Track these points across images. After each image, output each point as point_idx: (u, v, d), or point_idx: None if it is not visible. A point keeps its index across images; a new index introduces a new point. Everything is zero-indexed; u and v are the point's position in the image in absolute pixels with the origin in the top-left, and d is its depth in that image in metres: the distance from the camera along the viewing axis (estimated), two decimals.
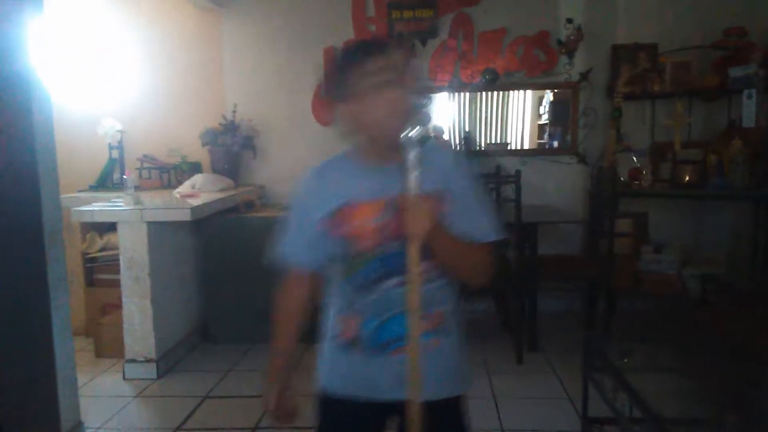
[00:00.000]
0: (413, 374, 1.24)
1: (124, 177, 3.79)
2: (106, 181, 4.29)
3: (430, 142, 1.24)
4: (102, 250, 3.96)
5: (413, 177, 1.19)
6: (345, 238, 1.30)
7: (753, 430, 1.97)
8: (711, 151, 3.79)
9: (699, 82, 3.92)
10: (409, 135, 1.18)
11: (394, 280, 1.29)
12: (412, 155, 1.18)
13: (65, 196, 3.58)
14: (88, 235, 4.03)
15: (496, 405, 2.94)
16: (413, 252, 1.20)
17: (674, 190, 3.87)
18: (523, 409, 2.90)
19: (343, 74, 1.27)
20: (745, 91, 3.64)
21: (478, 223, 1.33)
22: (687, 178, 3.82)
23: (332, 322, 1.41)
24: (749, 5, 3.99)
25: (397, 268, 1.26)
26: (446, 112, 4.63)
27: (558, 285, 4.21)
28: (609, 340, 3.04)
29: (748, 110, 3.65)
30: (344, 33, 4.38)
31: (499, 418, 2.80)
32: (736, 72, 3.71)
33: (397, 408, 1.32)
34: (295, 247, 1.39)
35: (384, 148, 1.29)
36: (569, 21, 4.14)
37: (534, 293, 3.60)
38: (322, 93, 1.44)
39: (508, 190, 3.65)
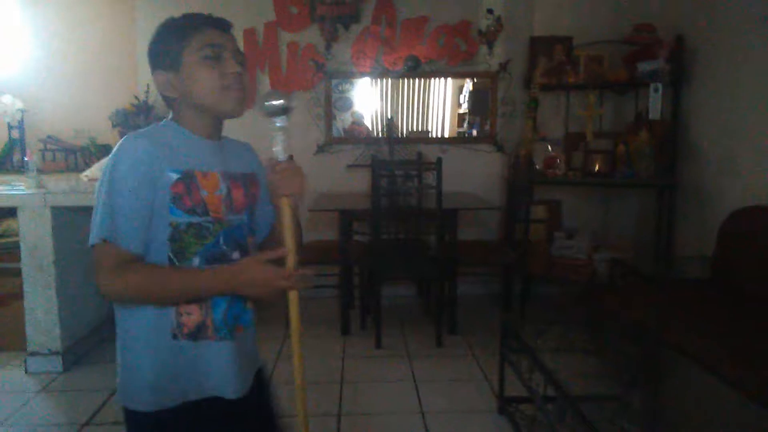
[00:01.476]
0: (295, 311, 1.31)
1: (26, 159, 3.55)
2: (4, 163, 4.01)
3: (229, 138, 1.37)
4: (1, 236, 3.69)
5: (282, 145, 1.27)
6: (198, 206, 1.21)
7: (657, 406, 2.09)
8: (620, 142, 3.97)
9: (610, 75, 4.09)
10: (273, 103, 1.24)
11: (237, 254, 1.29)
12: (279, 124, 1.26)
13: None
14: None
15: (416, 387, 2.98)
16: (289, 211, 1.27)
17: (586, 179, 4.04)
18: (442, 391, 2.95)
19: (169, 45, 1.25)
20: (652, 85, 3.83)
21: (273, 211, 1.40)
22: (597, 168, 3.99)
23: (164, 318, 1.23)
24: (659, 3, 4.20)
25: (239, 242, 1.29)
26: (368, 98, 4.62)
27: (476, 270, 4.31)
28: (524, 322, 3.14)
29: (654, 103, 3.85)
30: (265, 14, 4.28)
31: (419, 399, 2.84)
32: (644, 66, 3.90)
33: (232, 405, 1.30)
34: (128, 227, 1.16)
35: (210, 119, 1.29)
36: (490, 12, 4.22)
37: (454, 278, 3.67)
38: (150, 63, 1.30)
39: (430, 178, 3.69)
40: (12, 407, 2.79)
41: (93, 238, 1.16)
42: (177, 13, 1.27)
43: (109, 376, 3.11)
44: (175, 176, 1.19)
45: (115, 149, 1.18)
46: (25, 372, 3.15)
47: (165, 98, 1.30)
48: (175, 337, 1.23)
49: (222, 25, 1.27)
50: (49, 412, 2.81)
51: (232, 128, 1.37)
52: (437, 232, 3.57)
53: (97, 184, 1.19)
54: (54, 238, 3.12)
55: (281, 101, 1.24)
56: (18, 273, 3.19)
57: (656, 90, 3.82)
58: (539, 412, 2.36)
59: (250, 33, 4.29)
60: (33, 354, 3.16)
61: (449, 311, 3.70)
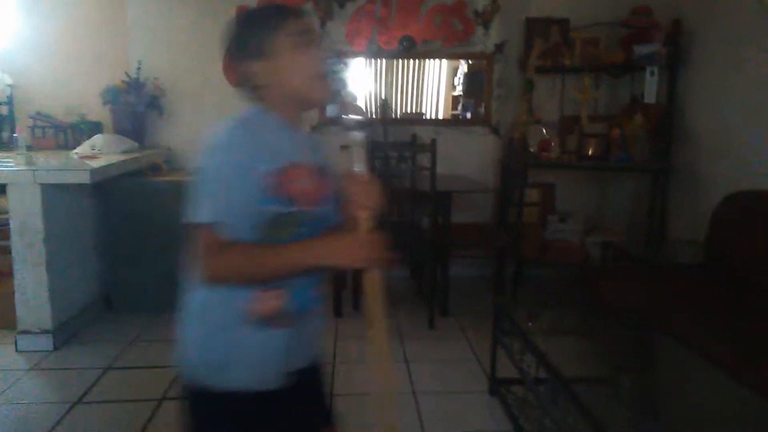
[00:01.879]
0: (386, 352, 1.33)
1: (15, 135, 3.51)
2: None
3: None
4: None
5: (360, 158, 1.27)
6: (290, 197, 1.21)
7: (648, 389, 2.10)
8: (615, 126, 3.97)
9: (606, 58, 4.06)
10: (351, 117, 1.31)
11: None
12: (358, 136, 1.29)
13: None
14: None
15: (408, 369, 2.99)
16: (369, 222, 1.26)
17: (580, 162, 4.04)
18: (434, 372, 2.96)
19: (262, 32, 1.25)
20: (648, 68, 3.82)
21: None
22: (592, 151, 3.99)
23: (240, 302, 1.23)
24: None
25: (323, 232, 1.28)
26: (362, 78, 4.57)
27: (470, 252, 4.31)
28: (517, 305, 3.15)
29: (649, 87, 3.84)
30: None
31: (411, 381, 2.85)
32: (640, 49, 3.88)
33: (298, 375, 1.33)
34: (229, 212, 1.17)
35: (297, 110, 1.30)
36: None
37: (446, 260, 3.67)
38: (229, 51, 1.30)
39: (424, 160, 3.67)
40: (2, 385, 2.78)
41: (198, 218, 1.16)
42: None
43: (100, 355, 3.11)
44: (267, 166, 1.19)
45: (215, 135, 1.19)
46: (16, 350, 3.14)
47: (251, 89, 1.29)
48: (248, 321, 1.23)
49: (304, 14, 1.29)
50: (40, 391, 2.80)
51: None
52: (431, 214, 3.56)
53: (198, 166, 1.19)
54: (44, 215, 3.09)
55: (359, 116, 1.28)
56: (8, 251, 3.16)
57: (652, 73, 3.81)
58: (530, 393, 2.38)
59: (242, 11, 4.21)
60: (23, 332, 3.14)
61: (442, 293, 3.71)
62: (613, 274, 3.40)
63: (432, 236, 3.56)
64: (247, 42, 1.27)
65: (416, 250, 3.64)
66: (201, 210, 1.16)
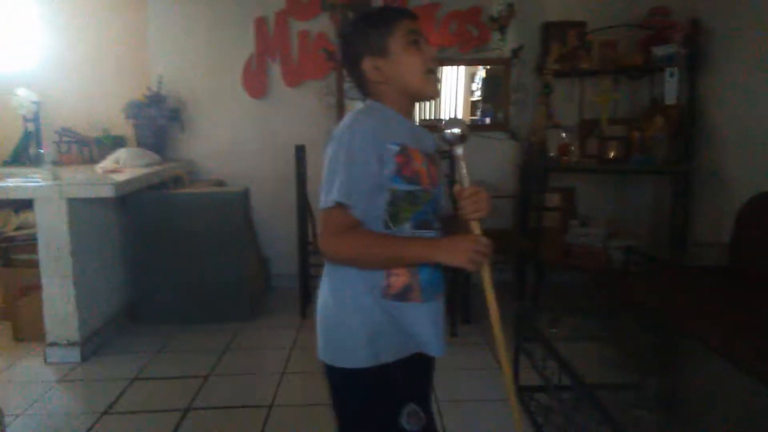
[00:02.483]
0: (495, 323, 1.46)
1: (41, 151, 3.58)
2: (21, 156, 4.04)
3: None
4: (18, 228, 3.73)
5: (465, 171, 1.34)
6: (414, 176, 1.32)
7: (673, 394, 2.08)
8: (635, 128, 3.93)
9: (625, 60, 4.04)
10: (454, 132, 1.33)
11: (437, 223, 1.41)
12: (459, 151, 1.34)
13: None
14: (2, 213, 3.80)
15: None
16: (479, 231, 1.37)
17: (600, 165, 4.01)
18: (457, 380, 2.95)
19: (378, 32, 1.35)
20: (667, 70, 3.79)
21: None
22: (612, 154, 3.95)
23: (376, 277, 1.32)
24: None
25: (438, 212, 1.40)
26: None
27: (490, 258, 4.29)
28: (539, 311, 3.13)
29: (669, 88, 3.80)
30: (275, 3, 4.26)
31: (433, 388, 2.84)
32: (658, 51, 3.85)
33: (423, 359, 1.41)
34: (358, 195, 1.27)
35: (410, 103, 1.41)
36: None
37: None
38: (343, 51, 1.42)
39: (443, 165, 3.66)
40: (32, 397, 2.84)
41: (327, 201, 1.27)
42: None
43: (126, 366, 3.15)
44: (396, 148, 1.30)
45: (347, 124, 1.31)
46: (45, 362, 3.20)
47: (367, 84, 1.39)
48: (384, 296, 1.33)
49: (413, 15, 1.39)
50: (69, 402, 2.85)
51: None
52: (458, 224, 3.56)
53: (329, 153, 1.30)
54: (70, 229, 3.15)
55: (459, 129, 1.32)
56: (36, 264, 3.22)
57: (672, 75, 3.77)
58: (554, 400, 2.36)
59: (260, 22, 4.28)
60: (52, 345, 3.21)
61: (463, 301, 3.70)
62: (636, 278, 3.36)
63: None
64: (364, 41, 1.37)
65: None
66: (330, 191, 1.27)
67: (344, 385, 1.37)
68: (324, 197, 1.28)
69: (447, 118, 1.37)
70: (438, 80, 1.40)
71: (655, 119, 3.83)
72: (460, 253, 1.30)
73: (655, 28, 3.95)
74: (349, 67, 1.41)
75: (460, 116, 4.64)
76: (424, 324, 1.36)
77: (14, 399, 2.80)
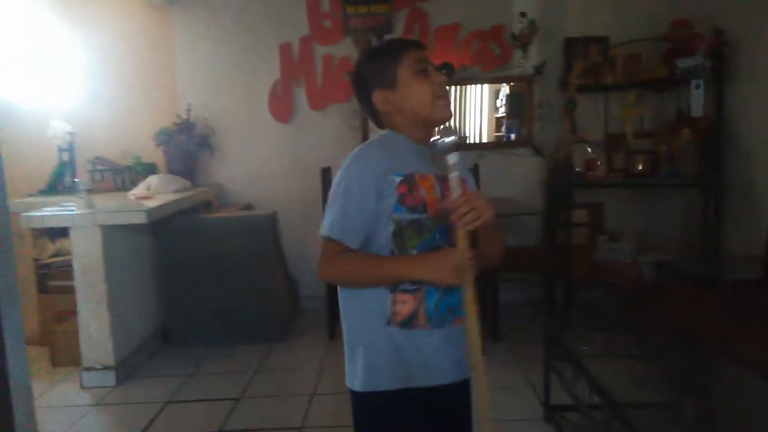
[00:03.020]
0: (475, 349, 1.33)
1: (76, 180, 3.68)
2: (56, 185, 4.16)
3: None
4: (54, 255, 3.84)
5: (457, 177, 1.30)
6: (418, 205, 1.34)
7: (707, 414, 2.04)
8: (662, 141, 3.90)
9: (649, 74, 4.02)
10: (449, 140, 1.30)
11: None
12: (453, 159, 1.30)
13: (14, 202, 3.47)
14: (39, 241, 3.91)
15: None
16: (465, 244, 1.31)
17: (628, 180, 3.97)
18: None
19: (385, 65, 1.39)
20: (693, 82, 3.75)
21: None
22: (640, 168, 3.92)
23: (381, 304, 1.35)
24: None
25: (452, 238, 1.33)
26: None
27: (518, 276, 4.26)
28: (568, 328, 3.09)
29: (696, 100, 3.76)
30: (299, 29, 4.35)
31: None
32: (683, 63, 3.82)
33: (445, 390, 1.38)
34: (351, 226, 1.32)
35: (424, 129, 1.41)
36: (523, 15, 4.19)
37: (494, 285, 3.64)
38: (356, 83, 1.46)
39: None
40: (69, 420, 2.90)
41: (323, 230, 1.34)
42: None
43: (159, 389, 3.20)
44: (399, 179, 1.33)
45: (352, 156, 1.36)
46: (81, 386, 3.27)
47: (379, 115, 1.43)
48: (388, 323, 1.35)
49: (420, 45, 1.44)
50: (105, 426, 2.91)
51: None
52: (475, 238, 3.55)
53: (334, 181, 1.36)
54: (104, 255, 3.23)
55: (453, 138, 1.30)
56: (72, 291, 3.31)
57: (697, 86, 3.74)
58: (585, 420, 2.33)
59: (285, 48, 4.37)
60: (87, 369, 3.27)
61: (491, 319, 3.68)
62: (668, 294, 3.31)
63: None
64: (373, 75, 1.41)
65: None
66: (327, 222, 1.34)
67: (353, 404, 1.42)
68: (323, 224, 1.34)
69: (441, 128, 1.38)
70: (448, 104, 1.41)
71: (682, 132, 3.79)
72: (441, 269, 1.29)
73: (679, 40, 3.93)
74: (361, 101, 1.45)
75: (483, 128, 4.66)
76: (433, 351, 1.36)
77: (52, 423, 2.86)
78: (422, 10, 4.31)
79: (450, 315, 1.38)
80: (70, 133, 4.12)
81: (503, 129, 4.65)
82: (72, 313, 3.38)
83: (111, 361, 3.27)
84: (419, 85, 1.37)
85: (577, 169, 4.04)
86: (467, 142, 4.60)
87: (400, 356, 1.35)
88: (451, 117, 1.42)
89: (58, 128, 4.07)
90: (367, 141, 1.41)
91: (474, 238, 1.37)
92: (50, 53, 4.30)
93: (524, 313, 4.21)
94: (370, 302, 1.36)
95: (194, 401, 3.09)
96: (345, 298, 1.41)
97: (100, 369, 3.27)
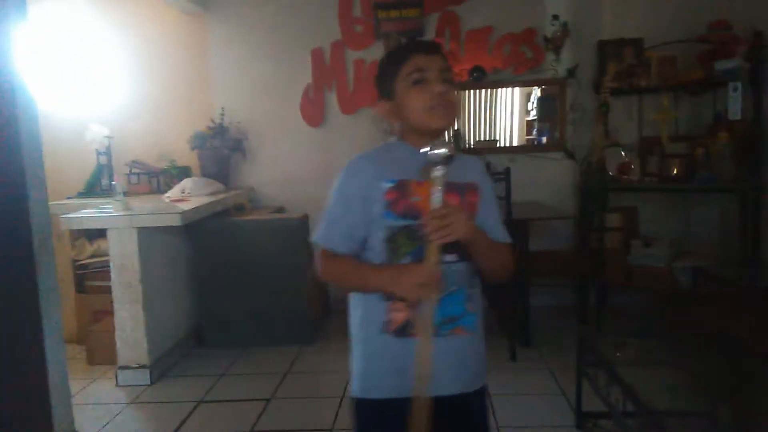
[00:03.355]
0: (422, 369, 1.26)
1: (113, 183, 3.76)
2: (94, 188, 4.26)
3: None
4: (92, 256, 3.93)
5: (439, 191, 1.27)
6: (409, 211, 1.33)
7: (745, 422, 1.99)
8: (698, 145, 3.82)
9: (685, 76, 3.95)
10: (437, 152, 1.27)
11: (450, 256, 1.34)
12: (438, 171, 1.27)
13: (54, 203, 3.55)
14: (77, 242, 4.01)
15: (491, 402, 2.95)
16: (434, 257, 1.26)
17: (663, 184, 3.91)
18: (518, 406, 2.91)
19: (385, 78, 1.41)
20: (731, 84, 3.67)
21: (498, 225, 1.48)
22: (675, 172, 3.85)
23: (375, 312, 1.36)
24: None
25: (452, 244, 1.28)
26: None
27: (549, 281, 4.23)
28: (601, 334, 3.06)
29: (734, 103, 3.69)
30: (331, 34, 4.39)
31: (494, 414, 2.81)
32: (721, 65, 3.74)
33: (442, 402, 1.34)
34: (336, 232, 1.37)
35: (426, 138, 1.35)
36: (555, 18, 4.15)
37: (526, 289, 3.61)
38: (380, 92, 1.46)
39: (498, 188, 3.65)
40: (106, 418, 2.96)
41: (313, 236, 1.41)
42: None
43: (192, 389, 3.25)
44: (388, 185, 1.34)
45: (346, 165, 1.41)
46: (116, 385, 3.34)
47: (388, 123, 1.46)
48: (384, 331, 1.35)
49: (428, 49, 1.39)
50: (139, 424, 2.96)
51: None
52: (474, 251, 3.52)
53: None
54: (140, 256, 3.30)
55: (443, 150, 1.27)
56: (108, 291, 3.38)
57: (735, 89, 3.66)
58: (619, 427, 2.29)
59: (317, 52, 4.41)
60: (123, 368, 3.35)
61: (523, 324, 3.64)
62: (705, 300, 3.24)
63: None
64: (378, 85, 1.45)
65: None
66: (317, 229, 1.40)
67: (352, 410, 1.43)
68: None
69: (433, 141, 1.31)
70: (445, 113, 1.36)
71: (719, 135, 3.71)
72: (403, 283, 1.27)
73: (716, 42, 3.85)
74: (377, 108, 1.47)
75: (514, 132, 4.62)
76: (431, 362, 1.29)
77: (88, 420, 2.92)
78: (454, 14, 4.31)
79: (449, 324, 1.35)
80: (108, 137, 4.22)
81: (534, 132, 4.62)
82: (108, 312, 3.46)
83: (146, 361, 3.33)
84: (414, 95, 1.35)
85: (611, 173, 3.99)
86: (498, 145, 4.59)
87: (395, 365, 1.34)
88: (449, 125, 1.42)
89: (97, 132, 4.17)
90: (364, 152, 1.43)
91: (468, 251, 1.34)
92: (89, 59, 4.42)
93: (556, 317, 4.17)
94: (368, 309, 1.38)
95: (226, 401, 3.13)
96: (351, 305, 1.43)
97: (136, 368, 3.33)
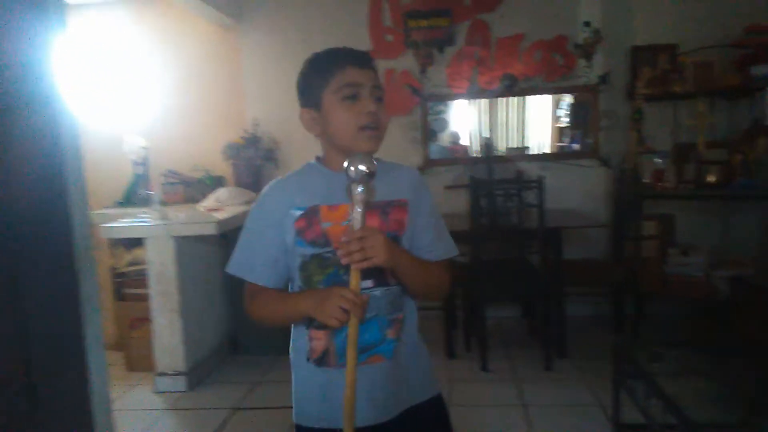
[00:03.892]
0: (348, 405, 1.19)
1: (149, 192, 3.84)
2: (132, 197, 4.35)
3: (389, 162, 1.37)
4: (130, 264, 4.01)
5: (359, 212, 1.19)
6: (318, 239, 1.26)
7: None
8: (735, 151, 3.75)
9: (721, 82, 3.88)
10: (357, 169, 1.17)
11: (367, 282, 1.27)
12: (358, 190, 1.19)
13: (93, 213, 3.65)
14: (115, 251, 4.09)
15: (527, 413, 2.92)
16: (355, 281, 1.20)
17: (699, 191, 3.83)
18: (554, 417, 2.88)
19: (312, 85, 1.30)
20: None
21: (435, 241, 1.37)
22: (712, 179, 3.78)
23: (302, 340, 1.34)
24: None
25: (369, 270, 1.21)
26: (465, 118, 4.64)
27: (584, 290, 4.18)
28: (639, 344, 3.01)
29: None
30: (361, 44, 4.41)
31: (530, 426, 2.79)
32: (758, 70, 3.68)
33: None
34: (253, 263, 1.33)
35: (344, 156, 1.25)
36: (587, 24, 4.12)
37: (560, 299, 3.58)
38: (298, 99, 1.38)
39: (530, 196, 3.64)
40: (144, 424, 3.02)
41: (227, 267, 1.35)
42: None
43: (228, 396, 3.29)
44: (298, 213, 1.28)
45: (262, 191, 1.36)
46: (154, 391, 3.40)
47: (311, 132, 1.36)
48: (307, 360, 1.33)
49: (362, 62, 1.29)
50: (177, 429, 3.01)
51: None
52: (540, 251, 3.51)
53: None
54: (177, 265, 3.36)
55: (362, 168, 1.17)
56: (146, 298, 3.45)
57: None
58: None
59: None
60: (160, 374, 3.40)
61: (557, 333, 3.61)
62: (745, 309, 3.17)
63: (543, 273, 3.50)
64: (302, 91, 1.34)
65: (527, 288, 3.59)
66: (231, 259, 1.35)
67: None
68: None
69: (354, 156, 1.20)
70: (374, 136, 1.27)
71: (757, 141, 3.64)
72: (322, 307, 1.19)
73: (753, 47, 3.78)
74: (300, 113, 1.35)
75: (546, 139, 4.60)
76: (339, 392, 1.21)
77: (127, 426, 2.98)
78: (484, 22, 4.32)
79: (362, 354, 1.26)
80: (144, 148, 4.32)
81: (566, 139, 4.58)
82: (145, 320, 3.52)
83: (183, 367, 3.39)
84: (344, 112, 1.26)
85: (645, 180, 3.94)
86: (528, 153, 4.57)
87: (323, 394, 1.31)
88: (375, 150, 1.29)
89: (133, 143, 4.27)
90: (279, 177, 1.37)
91: (391, 275, 1.28)
92: (126, 71, 4.53)
93: (592, 327, 4.12)
94: (295, 336, 1.36)
95: (262, 408, 3.16)
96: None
97: (173, 374, 3.39)
